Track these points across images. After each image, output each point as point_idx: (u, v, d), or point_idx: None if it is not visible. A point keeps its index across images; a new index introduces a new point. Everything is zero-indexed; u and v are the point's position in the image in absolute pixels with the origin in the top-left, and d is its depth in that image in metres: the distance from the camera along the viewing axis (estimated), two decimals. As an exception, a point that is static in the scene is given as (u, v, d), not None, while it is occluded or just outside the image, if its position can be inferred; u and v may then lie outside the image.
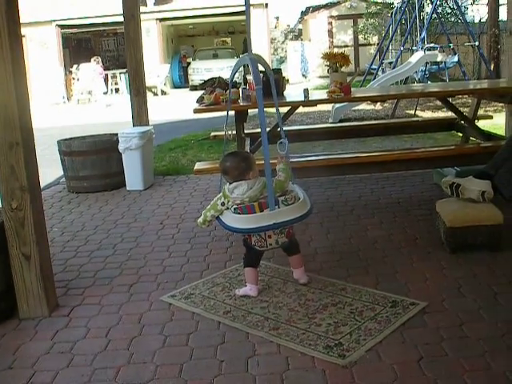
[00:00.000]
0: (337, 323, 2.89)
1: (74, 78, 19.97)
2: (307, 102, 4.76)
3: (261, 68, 3.21)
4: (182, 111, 12.05)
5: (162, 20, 21.75)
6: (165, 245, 4.31)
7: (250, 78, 4.88)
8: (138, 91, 6.37)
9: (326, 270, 3.60)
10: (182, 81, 23.56)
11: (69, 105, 19.38)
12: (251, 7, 3.19)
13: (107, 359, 2.73)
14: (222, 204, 3.12)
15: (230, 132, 3.33)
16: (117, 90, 21.22)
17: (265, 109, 3.10)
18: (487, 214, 3.62)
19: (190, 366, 2.63)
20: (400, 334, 2.77)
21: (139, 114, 6.44)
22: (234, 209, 3.07)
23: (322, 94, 4.81)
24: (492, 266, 3.45)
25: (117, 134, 5.97)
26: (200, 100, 5.17)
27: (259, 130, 5.76)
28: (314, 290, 3.29)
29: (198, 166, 4.48)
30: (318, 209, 4.83)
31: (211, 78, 5.20)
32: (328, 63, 4.94)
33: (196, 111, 4.59)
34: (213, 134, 6.00)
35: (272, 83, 3.24)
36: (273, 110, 3.93)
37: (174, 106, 15.55)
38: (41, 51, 20.28)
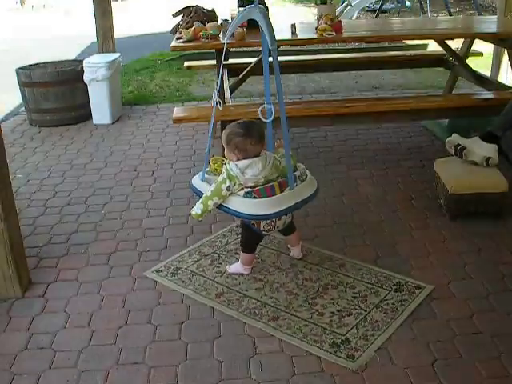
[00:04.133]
0: (340, 312, 2.70)
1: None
2: (295, 41, 4.31)
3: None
4: (147, 22, 11.25)
5: None
6: (141, 199, 3.98)
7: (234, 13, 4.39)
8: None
9: (320, 238, 3.37)
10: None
11: (23, 11, 17.88)
12: None
13: (93, 358, 2.48)
14: (228, 188, 2.65)
15: (219, 101, 2.85)
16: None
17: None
18: (492, 181, 3.41)
19: (186, 369, 2.40)
20: (409, 327, 2.59)
21: (105, 36, 5.86)
22: (248, 192, 2.65)
23: (310, 30, 4.36)
24: (496, 239, 3.28)
25: (81, 62, 5.41)
26: (175, 30, 4.67)
27: (239, 60, 5.39)
28: (311, 266, 3.07)
29: (176, 113, 4.05)
30: (304, 155, 4.55)
31: (187, 7, 4.65)
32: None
33: (174, 48, 4.11)
34: (187, 63, 5.50)
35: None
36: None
37: (137, 16, 14.54)
38: None
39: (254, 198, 2.64)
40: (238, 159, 2.65)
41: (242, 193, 2.66)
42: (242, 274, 3.02)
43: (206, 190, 2.75)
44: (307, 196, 2.79)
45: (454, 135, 3.64)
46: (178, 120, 3.97)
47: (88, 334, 2.63)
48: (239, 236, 3.31)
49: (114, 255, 3.28)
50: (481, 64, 6.31)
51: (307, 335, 2.55)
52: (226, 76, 4.88)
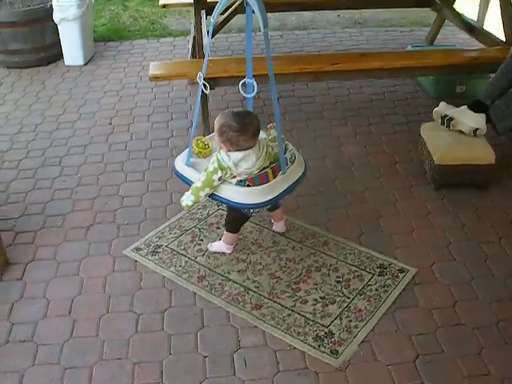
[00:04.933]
0: (324, 299, 2.69)
1: None
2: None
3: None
4: None
5: None
6: (118, 160, 3.84)
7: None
8: None
9: (303, 209, 3.31)
10: None
11: None
12: None
13: (77, 353, 2.45)
14: (220, 178, 2.53)
15: (205, 84, 2.66)
16: None
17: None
18: (479, 153, 3.35)
19: (171, 365, 2.40)
20: (392, 317, 2.60)
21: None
22: (241, 181, 2.55)
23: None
24: (480, 214, 3.26)
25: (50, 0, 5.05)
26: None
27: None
28: (293, 245, 3.03)
29: (153, 69, 3.83)
30: (285, 107, 4.41)
31: None
32: None
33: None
34: (162, 1, 5.15)
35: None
36: None
37: None
38: None
39: (248, 186, 2.56)
40: (229, 150, 2.52)
41: (234, 181, 2.57)
42: (224, 253, 2.97)
43: (194, 178, 2.63)
44: (298, 177, 2.72)
45: (442, 104, 3.52)
46: (154, 78, 3.76)
47: (70, 324, 2.60)
48: (220, 207, 3.25)
49: (91, 229, 3.19)
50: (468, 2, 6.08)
51: (291, 326, 2.55)
52: (203, 19, 4.60)
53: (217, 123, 2.54)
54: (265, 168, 2.60)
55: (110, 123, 4.30)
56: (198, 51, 4.02)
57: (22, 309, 2.68)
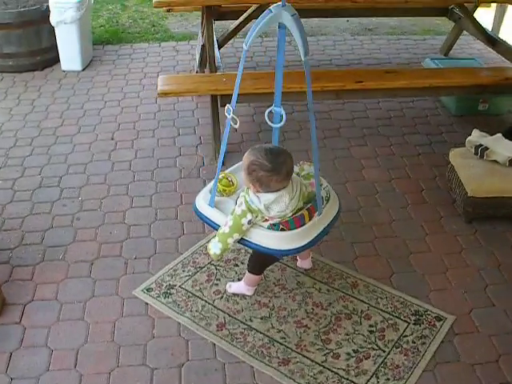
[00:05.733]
0: (357, 353, 2.44)
1: None
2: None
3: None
4: None
5: None
6: (122, 182, 3.55)
7: None
8: None
9: (328, 244, 3.05)
10: None
11: None
12: None
13: (84, 419, 2.19)
14: (249, 222, 2.24)
15: (235, 118, 2.35)
16: None
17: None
18: (516, 185, 3.10)
19: (191, 434, 2.14)
20: (432, 374, 2.36)
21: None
22: (275, 224, 2.27)
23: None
24: (517, 254, 3.02)
25: (47, 1, 4.72)
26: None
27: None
28: (320, 286, 2.78)
29: (162, 84, 3.52)
30: (298, 123, 4.15)
31: None
32: None
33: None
34: (165, 7, 4.81)
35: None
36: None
37: None
38: None
39: (282, 229, 2.28)
40: (258, 191, 2.25)
41: (266, 224, 2.29)
42: (244, 296, 2.71)
43: (220, 221, 2.35)
44: (333, 217, 2.46)
45: (475, 132, 3.28)
46: (164, 94, 3.47)
47: (76, 379, 2.32)
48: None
49: (96, 263, 2.91)
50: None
51: (323, 387, 2.30)
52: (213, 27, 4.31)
53: (246, 160, 2.26)
54: (300, 209, 2.33)
55: (112, 138, 4.01)
56: (209, 64, 3.74)
57: (21, 360, 2.40)
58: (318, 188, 2.37)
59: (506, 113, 4.38)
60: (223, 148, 2.42)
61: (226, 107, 2.31)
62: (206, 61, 4.29)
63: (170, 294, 2.72)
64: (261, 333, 2.53)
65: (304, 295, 2.73)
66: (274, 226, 2.28)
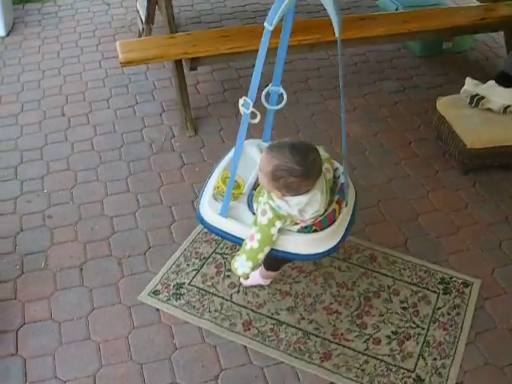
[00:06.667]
0: (397, 334, 2.31)
1: None
2: None
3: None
4: None
5: None
6: (89, 165, 3.17)
7: None
8: None
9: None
10: None
11: None
12: None
13: None
14: (279, 230, 1.95)
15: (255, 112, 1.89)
16: None
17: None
18: (512, 132, 3.02)
19: None
20: (475, 346, 2.28)
21: None
22: (305, 227, 2.00)
23: None
24: (521, 200, 2.98)
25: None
26: None
27: None
28: (339, 264, 2.61)
29: (122, 50, 3.08)
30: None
31: None
32: None
33: None
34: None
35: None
36: None
37: None
38: None
39: (315, 230, 2.02)
40: (284, 196, 1.95)
41: (295, 228, 2.01)
42: (262, 286, 2.48)
43: (242, 233, 2.01)
44: (354, 203, 2.24)
45: (468, 81, 3.14)
46: (127, 63, 3.05)
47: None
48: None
49: (86, 268, 2.57)
50: None
51: (374, 377, 2.16)
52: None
53: (268, 164, 1.87)
54: (331, 203, 2.08)
55: (63, 114, 3.55)
56: (168, 23, 3.31)
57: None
58: (346, 174, 2.14)
59: (469, 49, 4.29)
60: (238, 151, 1.98)
61: (241, 100, 1.88)
62: (153, 16, 3.86)
63: (181, 294, 2.45)
64: (292, 326, 2.33)
65: (325, 276, 2.55)
66: (305, 229, 2.02)
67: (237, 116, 3.53)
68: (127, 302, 2.42)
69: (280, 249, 2.00)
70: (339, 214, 2.08)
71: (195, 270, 2.57)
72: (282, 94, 2.15)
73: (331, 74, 3.95)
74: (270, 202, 1.92)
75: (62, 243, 2.69)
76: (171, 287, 2.48)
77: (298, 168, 1.83)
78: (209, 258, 2.62)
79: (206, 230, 2.74)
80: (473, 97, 3.05)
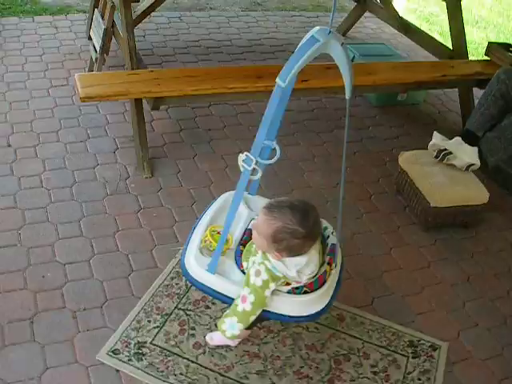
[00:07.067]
0: (370, 403, 2.24)
1: None
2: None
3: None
4: None
5: None
6: (38, 205, 2.94)
7: None
8: None
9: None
10: None
11: None
12: None
13: None
14: (272, 292, 1.87)
15: (256, 168, 1.85)
16: None
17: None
18: (475, 192, 3.09)
19: None
20: (448, 416, 2.24)
21: None
22: (297, 288, 1.91)
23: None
24: (478, 260, 3.03)
25: None
26: None
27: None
28: (306, 324, 2.51)
29: (82, 85, 2.88)
30: (220, 118, 3.77)
31: None
32: None
33: None
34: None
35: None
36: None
37: None
38: None
39: (305, 292, 1.93)
40: (282, 257, 1.86)
41: (286, 288, 1.91)
42: (229, 347, 2.35)
43: (231, 292, 1.91)
44: (341, 262, 2.18)
45: (436, 135, 3.18)
46: (88, 98, 2.87)
47: None
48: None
49: (37, 321, 2.35)
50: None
51: None
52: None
53: (269, 227, 1.79)
54: (322, 264, 2.01)
55: (9, 145, 3.31)
56: (129, 58, 3.17)
57: None
58: (339, 235, 2.07)
59: (422, 101, 4.39)
60: (232, 216, 1.88)
61: (241, 156, 1.79)
62: (109, 46, 3.70)
63: (143, 354, 2.28)
64: (263, 393, 2.21)
65: (294, 337, 2.45)
66: (296, 290, 1.93)
67: (194, 158, 3.41)
68: (84, 362, 2.22)
69: (272, 310, 1.90)
70: (329, 275, 2.00)
71: (157, 327, 2.40)
72: (274, 148, 2.07)
73: (289, 119, 3.90)
74: (266, 262, 1.83)
75: (11, 291, 2.46)
76: (132, 346, 2.30)
77: (302, 230, 1.76)
78: (171, 314, 2.47)
79: (166, 283, 2.60)
80: (440, 151, 3.09)
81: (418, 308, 2.69)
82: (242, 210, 2.15)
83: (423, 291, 2.79)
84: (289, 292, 1.93)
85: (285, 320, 2.00)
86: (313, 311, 1.95)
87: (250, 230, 2.08)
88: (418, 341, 2.53)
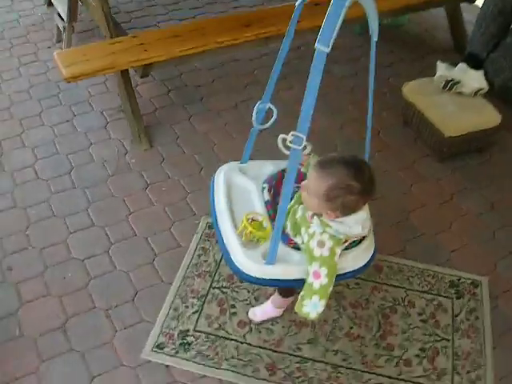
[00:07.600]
0: (425, 352, 2.22)
1: None
2: None
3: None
4: None
5: None
6: (39, 199, 2.77)
7: None
8: None
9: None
10: None
11: None
12: None
13: None
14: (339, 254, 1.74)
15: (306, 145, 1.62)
16: None
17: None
18: (487, 116, 3.00)
19: None
20: (501, 351, 2.24)
21: None
22: (353, 242, 1.82)
23: None
24: (499, 186, 2.96)
25: None
26: None
27: None
28: (346, 281, 2.44)
29: (64, 63, 2.65)
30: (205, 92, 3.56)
31: None
32: None
33: None
34: None
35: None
36: None
37: None
38: None
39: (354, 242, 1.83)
40: (337, 217, 1.73)
41: (343, 247, 1.78)
42: (275, 320, 2.28)
43: (300, 274, 1.75)
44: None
45: (440, 65, 3.04)
46: (73, 78, 2.63)
47: None
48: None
49: (70, 328, 2.24)
50: None
51: (417, 407, 2.05)
52: None
53: (320, 184, 1.66)
54: None
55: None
56: (107, 26, 2.91)
57: None
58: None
59: (407, 22, 4.21)
60: (285, 206, 1.65)
61: (289, 137, 1.52)
62: (76, 13, 3.41)
63: (189, 343, 2.19)
64: (318, 361, 2.17)
65: (337, 298, 2.38)
66: (350, 245, 1.83)
67: (190, 120, 3.23)
68: (130, 363, 2.13)
69: (343, 271, 1.78)
70: None
71: (196, 311, 2.30)
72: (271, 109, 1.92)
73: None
74: (327, 229, 1.69)
75: (34, 300, 2.32)
76: (176, 337, 2.21)
77: (358, 185, 1.64)
78: (207, 295, 2.37)
79: (194, 262, 2.49)
80: (448, 81, 2.96)
81: (451, 245, 2.63)
82: (246, 183, 1.99)
83: (452, 226, 2.73)
84: (346, 248, 1.81)
85: (350, 277, 1.88)
86: (369, 257, 1.86)
87: (269, 201, 1.94)
88: (458, 279, 2.49)
